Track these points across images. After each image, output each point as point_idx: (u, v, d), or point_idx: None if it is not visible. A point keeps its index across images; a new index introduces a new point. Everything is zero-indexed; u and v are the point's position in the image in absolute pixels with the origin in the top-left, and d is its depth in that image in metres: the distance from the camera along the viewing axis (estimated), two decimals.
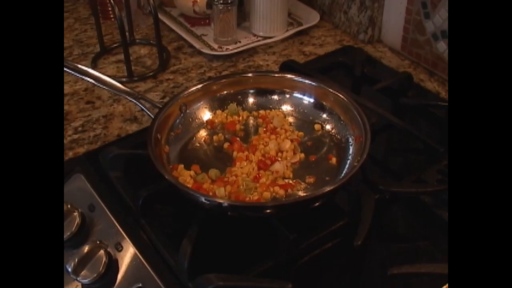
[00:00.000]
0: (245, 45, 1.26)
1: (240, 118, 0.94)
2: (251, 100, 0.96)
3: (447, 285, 0.59)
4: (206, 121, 0.93)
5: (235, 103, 0.95)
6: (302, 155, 0.87)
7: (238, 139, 0.90)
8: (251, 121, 0.94)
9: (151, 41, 1.27)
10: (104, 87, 0.91)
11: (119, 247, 0.77)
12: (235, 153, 0.87)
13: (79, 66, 0.91)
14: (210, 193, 0.79)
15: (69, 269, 0.73)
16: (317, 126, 0.92)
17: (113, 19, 1.35)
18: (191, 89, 0.92)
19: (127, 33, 1.15)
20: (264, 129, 0.91)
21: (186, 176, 0.81)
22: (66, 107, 1.06)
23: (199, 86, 0.93)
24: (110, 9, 1.34)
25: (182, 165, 0.84)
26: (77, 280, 0.74)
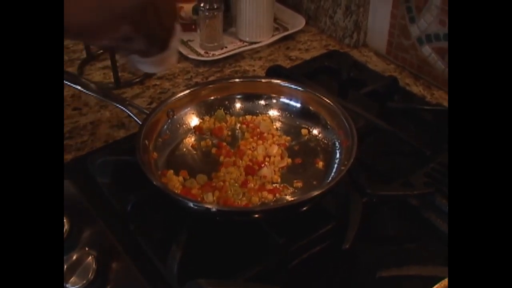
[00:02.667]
0: (231, 50, 1.26)
1: (228, 123, 0.94)
2: (238, 105, 0.96)
3: (435, 286, 0.59)
4: (194, 127, 0.93)
5: (222, 109, 0.95)
6: (290, 159, 0.87)
7: (224, 144, 0.90)
8: (239, 127, 0.94)
9: None
10: (91, 93, 0.90)
11: (108, 253, 0.77)
12: (221, 158, 0.87)
13: (65, 72, 0.91)
14: (199, 199, 0.79)
15: None
16: (304, 131, 0.92)
17: None
18: (178, 95, 0.92)
19: None
20: (251, 133, 0.92)
21: (175, 182, 0.82)
22: None
23: (187, 91, 0.93)
24: None
25: (172, 171, 0.84)
26: (66, 287, 0.74)
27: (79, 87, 0.90)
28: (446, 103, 1.07)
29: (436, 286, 0.59)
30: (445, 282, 0.59)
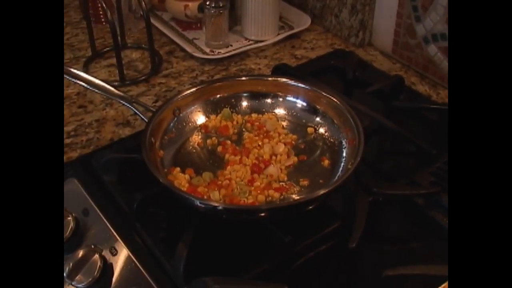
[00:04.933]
0: (237, 48, 1.27)
1: (234, 122, 0.94)
2: (244, 103, 0.96)
3: (441, 286, 0.60)
4: (200, 125, 0.93)
5: (228, 108, 0.95)
6: (296, 158, 0.87)
7: (229, 142, 0.90)
8: (244, 125, 0.94)
9: (143, 45, 1.27)
10: (98, 91, 0.91)
11: (113, 251, 0.77)
12: (227, 156, 0.87)
13: (72, 70, 0.91)
14: (205, 197, 0.79)
15: (64, 274, 0.73)
16: (310, 130, 0.92)
17: (104, 23, 1.35)
18: (185, 93, 0.92)
19: (118, 37, 1.15)
20: (257, 132, 0.92)
21: (181, 180, 0.82)
22: None
23: (193, 89, 0.93)
24: (101, 13, 1.34)
25: (178, 168, 0.84)
26: (72, 285, 0.74)
27: (85, 85, 0.91)
28: None
29: (442, 285, 0.59)
30: None
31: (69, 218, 0.80)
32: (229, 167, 0.85)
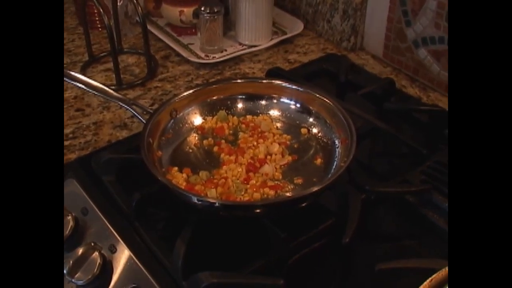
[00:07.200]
0: (231, 53, 1.29)
1: (230, 123, 0.96)
2: (239, 105, 0.98)
3: (433, 276, 0.61)
4: (196, 126, 0.95)
5: (224, 110, 0.97)
6: (290, 157, 0.89)
7: (223, 141, 0.92)
8: (240, 126, 0.96)
9: (139, 50, 1.29)
10: (97, 93, 0.92)
11: (113, 249, 0.78)
12: (222, 156, 0.89)
13: (72, 73, 0.93)
14: (202, 194, 0.81)
15: (64, 271, 0.74)
16: (303, 130, 0.94)
17: (100, 29, 1.37)
18: (182, 95, 0.94)
19: (115, 42, 1.17)
20: (252, 132, 0.94)
21: (179, 178, 0.83)
22: None
23: (190, 92, 0.95)
24: (97, 18, 1.36)
25: (176, 168, 0.86)
26: (72, 282, 0.75)
27: (85, 87, 0.92)
28: (441, 104, 1.09)
29: (433, 275, 0.61)
30: (441, 272, 0.61)
31: (68, 217, 0.81)
32: (225, 166, 0.87)
